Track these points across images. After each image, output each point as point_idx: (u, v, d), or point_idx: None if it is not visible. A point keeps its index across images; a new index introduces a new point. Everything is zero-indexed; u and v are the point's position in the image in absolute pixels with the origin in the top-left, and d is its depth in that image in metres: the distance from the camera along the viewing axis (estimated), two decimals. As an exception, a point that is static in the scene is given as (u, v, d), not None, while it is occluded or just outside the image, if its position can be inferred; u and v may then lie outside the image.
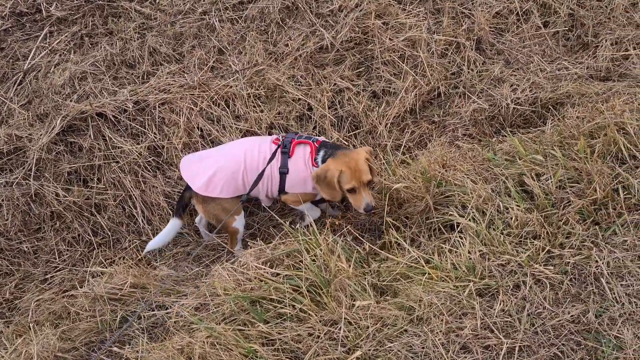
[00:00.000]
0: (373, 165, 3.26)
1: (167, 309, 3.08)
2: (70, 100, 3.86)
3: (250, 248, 3.32)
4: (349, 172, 3.11)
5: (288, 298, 2.63)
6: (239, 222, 3.41)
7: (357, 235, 3.53)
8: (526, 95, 3.90)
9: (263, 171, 3.21)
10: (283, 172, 3.28)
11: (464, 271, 2.64)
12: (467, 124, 3.90)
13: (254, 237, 3.81)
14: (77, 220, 3.78)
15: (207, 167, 3.25)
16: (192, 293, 3.04)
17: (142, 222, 3.80)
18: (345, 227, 3.52)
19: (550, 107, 3.86)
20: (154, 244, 3.38)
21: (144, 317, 3.01)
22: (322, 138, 3.44)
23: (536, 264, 2.59)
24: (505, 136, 3.81)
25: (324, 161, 3.22)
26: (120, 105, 3.83)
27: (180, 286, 3.27)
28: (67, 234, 3.79)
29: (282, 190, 3.36)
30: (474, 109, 3.92)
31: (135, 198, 3.79)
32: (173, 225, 3.39)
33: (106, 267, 3.33)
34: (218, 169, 3.22)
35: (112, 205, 3.76)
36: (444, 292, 2.56)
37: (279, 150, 3.28)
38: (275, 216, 3.30)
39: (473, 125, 3.91)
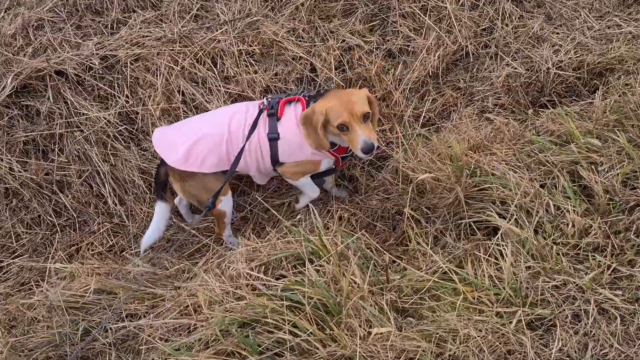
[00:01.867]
0: (374, 100, 2.66)
1: (139, 318, 2.56)
2: (24, 55, 3.20)
3: (241, 246, 2.78)
4: (339, 104, 2.52)
5: (288, 323, 2.10)
6: (225, 204, 2.84)
7: (370, 223, 3.03)
8: (570, 58, 3.27)
9: (244, 146, 2.63)
10: (273, 138, 2.69)
11: (507, 293, 2.10)
12: (499, 92, 3.28)
13: (245, 221, 3.26)
14: (37, 199, 3.20)
15: (185, 136, 2.68)
16: (170, 299, 2.51)
17: (114, 202, 3.22)
18: (354, 215, 2.99)
19: (598, 73, 3.25)
20: (148, 240, 2.87)
21: (112, 330, 2.49)
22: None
23: (600, 287, 2.06)
24: (543, 109, 3.22)
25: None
26: (84, 62, 3.17)
27: (158, 287, 2.74)
28: (25, 215, 3.21)
29: (276, 160, 2.78)
30: (507, 74, 3.29)
31: (104, 174, 3.19)
32: (161, 211, 2.86)
33: (67, 264, 2.77)
34: (199, 137, 2.65)
35: (77, 183, 3.17)
36: (484, 320, 2.03)
37: (265, 112, 2.71)
38: (267, 206, 2.74)
39: (506, 93, 3.29)
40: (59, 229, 3.21)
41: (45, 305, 2.49)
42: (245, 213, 3.26)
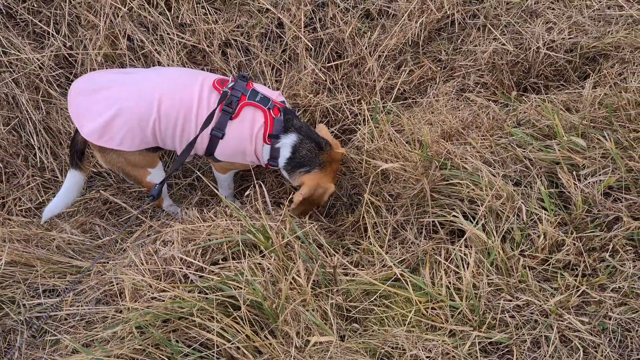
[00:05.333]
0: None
1: (58, 294, 2.30)
2: (-56, -24, 2.74)
3: (182, 216, 2.51)
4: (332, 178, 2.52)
5: (217, 323, 1.86)
6: (155, 176, 2.51)
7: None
8: (563, 38, 2.97)
9: (194, 140, 2.29)
10: (216, 135, 2.35)
11: (464, 310, 1.89)
12: (483, 69, 2.99)
13: (193, 189, 2.97)
14: (-43, 144, 2.84)
15: (103, 104, 2.24)
16: (93, 279, 2.25)
17: (45, 155, 2.88)
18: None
19: (591, 58, 2.97)
20: (52, 208, 2.50)
21: (25, 307, 2.22)
22: (280, 97, 2.52)
23: (565, 310, 1.86)
24: (528, 93, 2.96)
25: (298, 161, 2.43)
26: (16, -8, 2.74)
27: (83, 258, 2.47)
28: (-56, 161, 2.86)
29: (210, 153, 2.46)
30: (494, 50, 2.98)
31: (35, 123, 2.83)
32: (72, 179, 2.47)
33: (-19, 226, 2.46)
34: (119, 110, 2.22)
35: (3, 130, 2.80)
36: (434, 341, 1.82)
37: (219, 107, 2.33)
38: (211, 185, 2.46)
39: (490, 70, 2.99)
40: (-18, 179, 2.88)
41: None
42: (192, 179, 2.96)
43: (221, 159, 2.46)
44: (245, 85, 2.37)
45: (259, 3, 2.87)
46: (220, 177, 2.68)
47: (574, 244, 1.98)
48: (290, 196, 2.67)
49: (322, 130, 2.62)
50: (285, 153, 2.42)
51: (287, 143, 2.40)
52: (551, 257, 1.98)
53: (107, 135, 2.24)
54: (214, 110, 2.29)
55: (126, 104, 2.23)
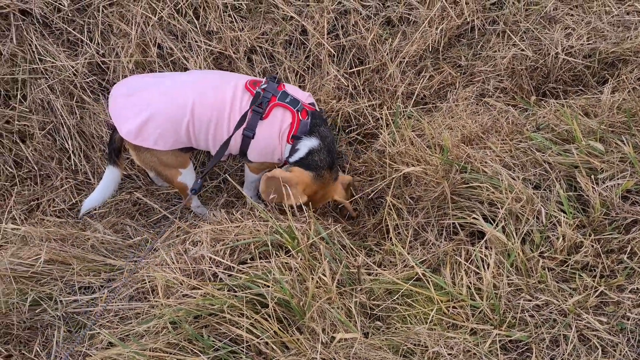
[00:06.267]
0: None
1: (94, 291, 2.40)
2: (-15, -12, 2.87)
3: (210, 217, 2.61)
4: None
5: (247, 319, 1.95)
6: (186, 176, 2.63)
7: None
8: (581, 44, 3.01)
9: (228, 140, 2.40)
10: (248, 136, 2.46)
11: (484, 309, 1.95)
12: (502, 74, 3.04)
13: (219, 191, 3.07)
14: (-5, 148, 2.97)
15: (139, 106, 2.37)
16: (126, 276, 2.35)
17: (78, 158, 3.00)
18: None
19: (610, 63, 3.01)
20: (92, 201, 2.64)
21: (62, 303, 2.33)
22: (309, 99, 2.61)
23: (584, 311, 1.91)
24: (547, 97, 3.01)
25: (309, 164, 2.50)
26: (52, 2, 2.86)
27: (116, 257, 2.57)
28: (-17, 163, 2.99)
29: (244, 154, 2.57)
30: (513, 55, 3.04)
31: (69, 127, 2.95)
32: (110, 175, 2.61)
33: (20, 226, 2.57)
34: (153, 114, 2.35)
35: (39, 134, 2.93)
36: (456, 339, 1.89)
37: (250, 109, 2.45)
38: (238, 187, 2.54)
39: (509, 76, 3.05)
40: (18, 181, 3.00)
41: (-9, 272, 2.31)
42: (218, 182, 3.06)
43: (253, 159, 2.56)
44: (276, 87, 2.47)
45: (283, 11, 2.97)
46: (252, 177, 2.78)
47: (592, 246, 2.03)
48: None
49: (345, 178, 2.72)
50: (300, 153, 2.51)
51: (306, 144, 2.49)
52: (570, 259, 2.03)
53: (142, 135, 2.36)
54: (247, 112, 2.39)
55: (159, 106, 2.35)
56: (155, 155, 2.47)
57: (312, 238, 2.16)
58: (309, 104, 2.56)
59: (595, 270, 2.01)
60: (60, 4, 2.86)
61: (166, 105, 2.36)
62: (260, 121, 2.42)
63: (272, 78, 2.50)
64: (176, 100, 2.37)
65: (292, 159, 2.54)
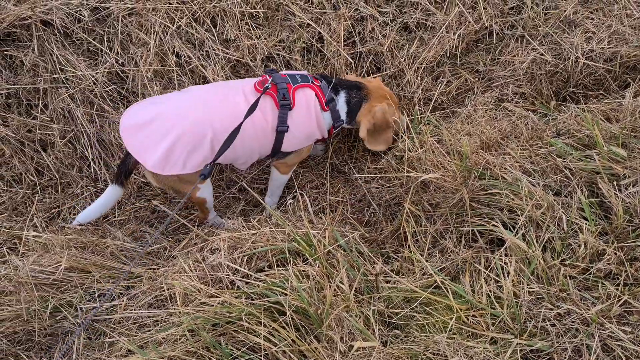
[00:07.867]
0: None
1: (113, 299, 2.42)
2: (8, 1, 2.93)
3: (227, 226, 2.61)
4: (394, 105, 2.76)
5: (265, 327, 1.94)
6: (205, 191, 2.64)
7: (365, 208, 2.86)
8: (602, 48, 2.97)
9: (235, 134, 2.36)
10: (282, 131, 2.50)
11: (505, 318, 1.92)
12: (521, 79, 3.01)
13: (236, 199, 3.08)
14: (17, 157, 3.01)
15: (159, 132, 2.33)
16: (145, 284, 2.36)
17: (98, 166, 3.03)
18: (345, 208, 2.80)
19: (632, 67, 2.97)
20: (88, 215, 2.64)
21: (82, 310, 2.35)
22: (303, 71, 2.76)
23: (607, 320, 1.87)
24: (567, 102, 2.96)
25: (352, 109, 2.70)
26: (73, 12, 2.91)
27: (136, 264, 2.59)
28: (6, 172, 3.04)
29: (276, 151, 2.59)
30: (532, 60, 3.01)
31: (90, 135, 2.99)
32: (112, 193, 2.59)
33: (42, 234, 2.60)
34: (176, 138, 2.32)
35: (60, 143, 2.97)
36: (475, 348, 1.86)
37: (270, 99, 2.50)
38: (256, 195, 2.54)
39: (528, 81, 3.02)
40: (39, 189, 3.04)
41: (13, 280, 2.34)
42: (235, 190, 3.07)
43: (290, 149, 2.60)
44: (280, 75, 2.54)
45: (300, 18, 2.98)
46: (280, 180, 2.80)
47: (615, 254, 1.99)
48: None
49: (350, 76, 2.90)
50: (343, 112, 2.69)
51: (342, 101, 2.67)
52: (592, 267, 1.99)
53: (170, 162, 2.34)
54: (257, 100, 2.41)
55: (181, 130, 2.32)
56: (175, 174, 2.45)
57: (330, 246, 2.15)
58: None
59: (618, 279, 1.96)
60: (80, 14, 2.90)
61: (188, 124, 2.34)
62: (290, 112, 2.48)
63: (271, 70, 2.56)
64: (194, 117, 2.36)
65: (343, 117, 2.70)
